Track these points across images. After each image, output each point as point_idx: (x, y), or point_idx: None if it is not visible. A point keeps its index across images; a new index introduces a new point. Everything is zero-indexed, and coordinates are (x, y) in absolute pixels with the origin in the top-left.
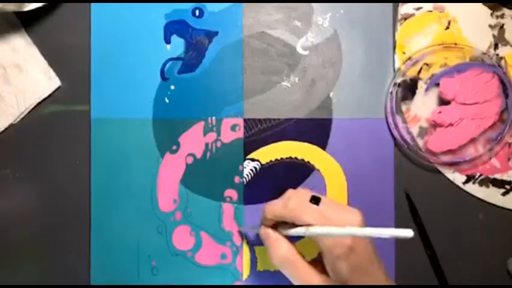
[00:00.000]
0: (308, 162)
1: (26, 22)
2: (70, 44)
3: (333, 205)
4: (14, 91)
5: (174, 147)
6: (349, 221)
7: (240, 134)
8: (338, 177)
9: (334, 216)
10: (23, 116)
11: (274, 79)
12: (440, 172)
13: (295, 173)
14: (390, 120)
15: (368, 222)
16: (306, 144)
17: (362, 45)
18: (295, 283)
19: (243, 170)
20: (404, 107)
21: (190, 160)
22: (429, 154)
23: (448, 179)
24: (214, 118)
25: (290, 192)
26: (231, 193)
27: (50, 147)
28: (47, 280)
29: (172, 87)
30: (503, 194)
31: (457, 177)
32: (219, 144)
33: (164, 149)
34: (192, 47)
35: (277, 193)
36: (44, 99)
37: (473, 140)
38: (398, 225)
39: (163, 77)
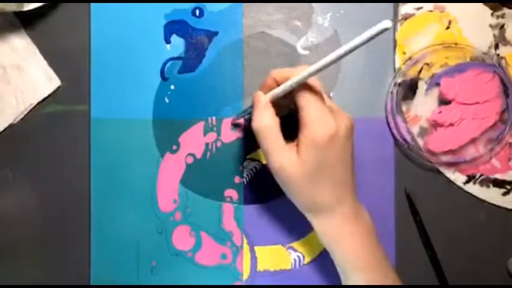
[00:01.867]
0: None
1: (26, 22)
2: (70, 44)
3: (332, 103)
4: (14, 91)
5: (174, 147)
6: (340, 120)
7: (240, 133)
8: None
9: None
10: (23, 116)
11: None
12: (440, 172)
13: None
14: (390, 120)
15: None
16: None
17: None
18: (264, 157)
19: (243, 170)
20: (404, 107)
21: (190, 160)
22: (430, 154)
23: (449, 179)
24: (214, 118)
25: (303, 66)
26: (231, 193)
27: (50, 147)
28: (47, 280)
29: (172, 87)
30: (504, 194)
31: (458, 177)
32: (219, 144)
33: (164, 149)
34: (191, 47)
35: (277, 193)
36: (44, 99)
37: (473, 140)
38: (398, 225)
39: (163, 77)
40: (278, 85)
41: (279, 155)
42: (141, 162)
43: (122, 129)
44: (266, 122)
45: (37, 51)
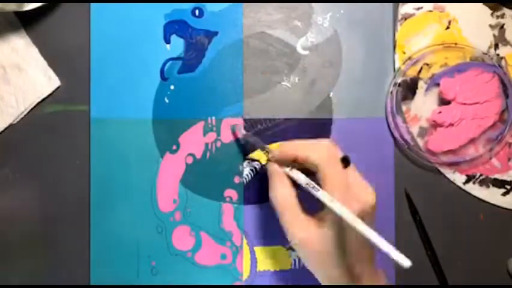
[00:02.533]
0: None
1: (26, 22)
2: (69, 44)
3: (356, 176)
4: (14, 91)
5: (174, 147)
6: (363, 199)
7: (240, 134)
8: None
9: (354, 188)
10: (22, 116)
11: (274, 79)
12: (440, 172)
13: None
14: (390, 120)
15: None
16: None
17: (362, 45)
18: (283, 228)
19: (243, 170)
20: (404, 107)
21: (190, 160)
22: (430, 154)
23: (448, 179)
24: (214, 118)
25: (324, 140)
26: (231, 193)
27: (50, 147)
28: (47, 280)
29: (172, 87)
30: (504, 194)
31: (457, 177)
32: (218, 144)
33: (164, 149)
34: (191, 47)
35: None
36: (44, 99)
37: (473, 140)
38: (398, 225)
39: (163, 77)
40: (295, 161)
41: (298, 229)
42: (141, 162)
43: (122, 129)
44: (282, 194)
45: (37, 51)
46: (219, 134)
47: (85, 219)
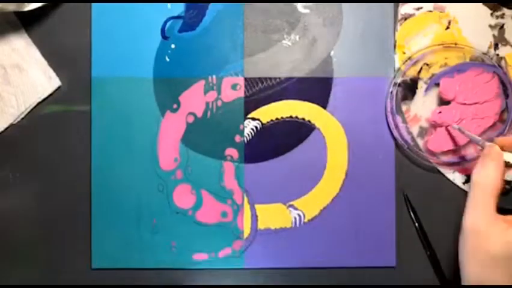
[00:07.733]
0: (309, 121)
1: (26, 22)
2: (70, 44)
3: None
4: (14, 91)
5: (175, 106)
6: None
7: (240, 93)
8: (339, 136)
9: None
10: (23, 116)
11: (274, 37)
12: (440, 172)
13: (295, 132)
14: (390, 120)
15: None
16: (306, 103)
17: (363, 6)
18: (467, 208)
19: (243, 129)
20: (404, 107)
21: (190, 119)
22: (430, 154)
23: (448, 179)
24: (214, 77)
25: None
26: (232, 152)
27: (50, 147)
28: (48, 280)
29: (173, 45)
30: (503, 194)
31: (457, 177)
32: (219, 103)
33: (165, 107)
34: (192, 6)
35: (277, 152)
36: (44, 99)
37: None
38: (398, 225)
39: (164, 36)
40: None
41: (482, 219)
42: (142, 121)
43: (123, 88)
44: (486, 177)
45: (37, 51)
46: (219, 93)
47: (86, 214)
